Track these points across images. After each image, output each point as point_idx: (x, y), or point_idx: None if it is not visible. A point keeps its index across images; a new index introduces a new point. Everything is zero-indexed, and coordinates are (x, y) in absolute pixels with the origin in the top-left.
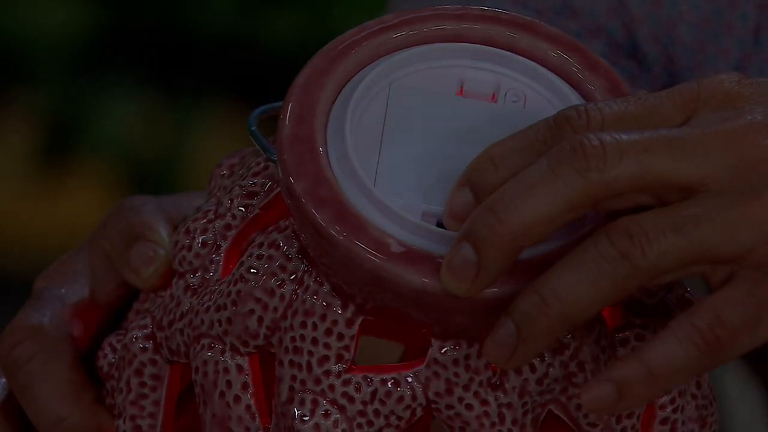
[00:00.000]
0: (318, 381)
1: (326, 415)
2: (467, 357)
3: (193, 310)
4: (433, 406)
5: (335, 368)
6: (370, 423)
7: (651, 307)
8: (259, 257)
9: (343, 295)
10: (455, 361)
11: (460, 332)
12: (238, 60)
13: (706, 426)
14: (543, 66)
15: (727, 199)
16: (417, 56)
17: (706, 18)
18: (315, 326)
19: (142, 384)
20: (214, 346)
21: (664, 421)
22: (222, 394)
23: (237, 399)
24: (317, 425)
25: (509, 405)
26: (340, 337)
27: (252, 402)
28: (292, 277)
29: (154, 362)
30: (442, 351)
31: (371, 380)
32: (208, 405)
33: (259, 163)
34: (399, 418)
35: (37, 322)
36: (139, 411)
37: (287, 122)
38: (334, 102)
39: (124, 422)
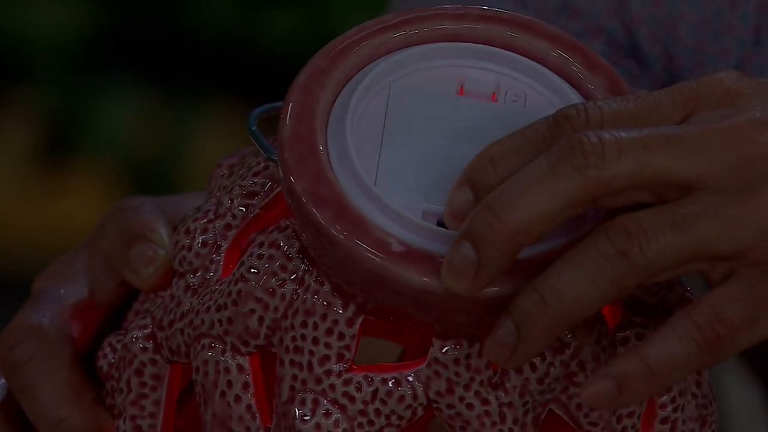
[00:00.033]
0: (319, 380)
1: (327, 414)
2: (468, 356)
3: (193, 310)
4: (434, 405)
5: (336, 368)
6: (371, 422)
7: (651, 307)
8: (260, 257)
9: (344, 294)
10: (456, 361)
11: (460, 331)
12: (238, 60)
13: (706, 425)
14: (543, 66)
15: (726, 196)
16: (417, 56)
17: (707, 18)
18: (316, 326)
19: (143, 384)
20: (215, 345)
21: (664, 420)
22: (223, 394)
23: (238, 399)
24: (318, 425)
25: (510, 404)
26: (341, 336)
27: (253, 402)
28: (292, 277)
29: (154, 362)
30: (443, 350)
31: (372, 380)
32: (209, 405)
33: (259, 163)
34: (400, 417)
35: (37, 322)
36: (140, 411)
37: (287, 122)
38: (334, 102)
39: (124, 422)
